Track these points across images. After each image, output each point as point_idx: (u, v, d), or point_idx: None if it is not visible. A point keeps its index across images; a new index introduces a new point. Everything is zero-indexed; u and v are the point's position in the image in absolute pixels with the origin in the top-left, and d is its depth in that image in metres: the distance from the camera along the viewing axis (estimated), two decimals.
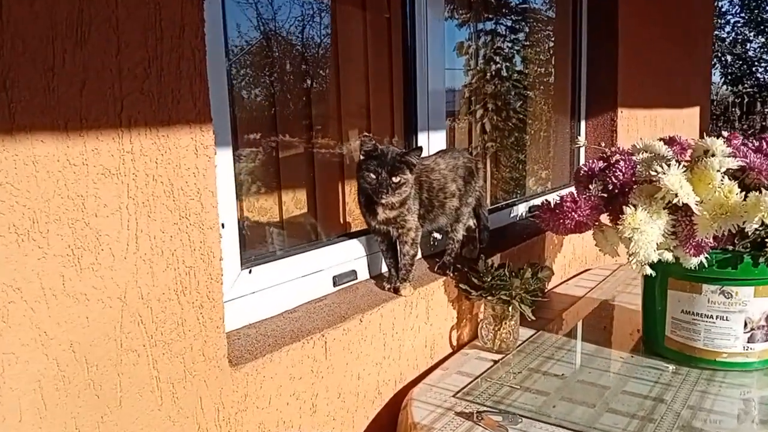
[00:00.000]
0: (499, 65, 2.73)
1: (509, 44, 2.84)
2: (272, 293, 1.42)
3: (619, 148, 1.86)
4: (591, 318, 2.03)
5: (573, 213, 1.57)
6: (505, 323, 1.73)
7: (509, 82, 2.82)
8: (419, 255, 1.87)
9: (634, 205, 1.43)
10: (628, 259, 1.43)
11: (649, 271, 1.46)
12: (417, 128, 1.85)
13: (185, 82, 1.04)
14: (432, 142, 1.90)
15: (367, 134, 1.49)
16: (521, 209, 2.47)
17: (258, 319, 1.38)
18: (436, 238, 1.94)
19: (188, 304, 1.08)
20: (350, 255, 1.65)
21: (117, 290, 0.98)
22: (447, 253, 1.79)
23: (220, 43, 1.24)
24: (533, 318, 1.69)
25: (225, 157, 1.28)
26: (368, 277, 1.71)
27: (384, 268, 1.71)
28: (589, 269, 2.58)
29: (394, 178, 1.48)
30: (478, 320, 1.82)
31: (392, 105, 1.93)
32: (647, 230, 1.37)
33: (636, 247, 1.39)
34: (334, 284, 1.58)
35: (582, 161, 2.90)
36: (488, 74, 2.68)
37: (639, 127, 2.95)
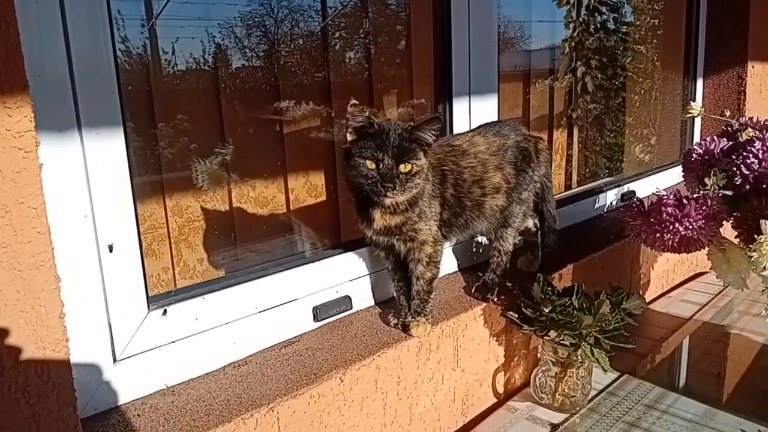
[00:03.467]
0: (605, 16, 2.31)
1: None
2: (207, 340, 0.98)
3: (753, 118, 1.26)
4: (699, 355, 1.47)
5: (676, 224, 1.01)
6: (571, 372, 1.22)
7: (617, 35, 2.39)
8: (454, 270, 1.38)
9: None
10: (765, 310, 0.87)
11: None
12: (452, 92, 1.32)
13: None
14: (475, 112, 1.36)
15: (355, 102, 0.99)
16: (610, 197, 1.88)
17: (183, 378, 0.96)
18: (479, 242, 1.42)
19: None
20: (343, 275, 1.17)
21: None
22: (490, 269, 1.28)
23: None
24: (610, 370, 1.16)
25: (112, 145, 0.84)
26: (373, 303, 1.23)
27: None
28: (703, 274, 1.97)
29: (402, 166, 0.99)
30: (538, 355, 1.31)
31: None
32: None
33: None
34: (316, 318, 1.12)
35: (696, 134, 2.25)
36: (592, 26, 2.28)
37: None
